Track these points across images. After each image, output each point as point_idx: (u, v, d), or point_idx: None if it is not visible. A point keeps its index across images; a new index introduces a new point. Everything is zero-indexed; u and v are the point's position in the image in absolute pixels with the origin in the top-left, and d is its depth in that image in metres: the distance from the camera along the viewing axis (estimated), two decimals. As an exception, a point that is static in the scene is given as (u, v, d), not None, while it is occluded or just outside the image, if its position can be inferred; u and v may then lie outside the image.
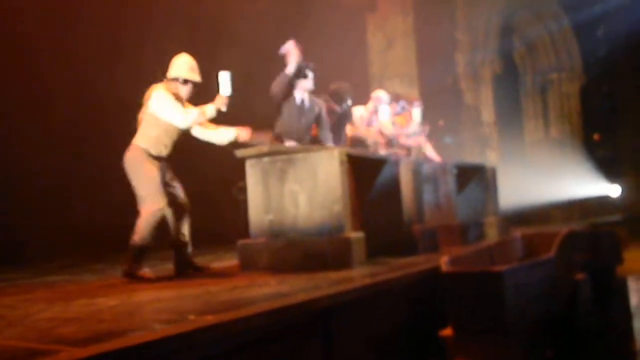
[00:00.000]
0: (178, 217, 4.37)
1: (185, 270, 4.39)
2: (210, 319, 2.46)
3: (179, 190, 4.38)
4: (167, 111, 4.18)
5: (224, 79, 4.16)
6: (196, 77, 4.32)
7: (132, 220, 4.16)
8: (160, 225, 4.21)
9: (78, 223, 6.73)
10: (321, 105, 5.08)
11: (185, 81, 4.27)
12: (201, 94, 4.40)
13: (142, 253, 4.15)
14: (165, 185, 4.28)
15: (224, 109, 4.23)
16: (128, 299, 3.34)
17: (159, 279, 4.12)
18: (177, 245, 4.40)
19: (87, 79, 6.94)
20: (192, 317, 2.57)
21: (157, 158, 4.27)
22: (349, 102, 5.66)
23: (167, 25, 7.37)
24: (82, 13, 7.08)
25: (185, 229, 4.39)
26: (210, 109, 4.24)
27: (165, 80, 4.29)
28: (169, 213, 4.30)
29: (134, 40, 7.23)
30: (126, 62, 6.97)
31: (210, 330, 2.32)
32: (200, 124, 4.34)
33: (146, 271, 4.20)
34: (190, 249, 4.44)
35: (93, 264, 5.87)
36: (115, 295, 3.49)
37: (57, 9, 6.89)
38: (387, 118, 6.33)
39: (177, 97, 4.26)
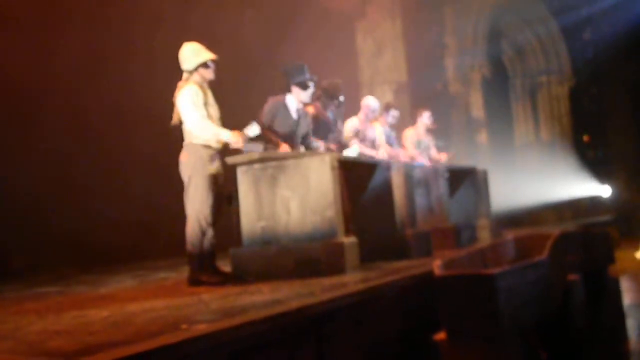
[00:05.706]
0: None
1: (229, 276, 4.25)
2: (202, 328, 2.44)
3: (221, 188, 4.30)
4: (185, 116, 4.15)
5: (253, 128, 4.24)
6: (208, 55, 4.23)
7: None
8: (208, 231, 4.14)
9: (67, 234, 6.67)
10: (308, 113, 5.08)
11: (202, 65, 4.21)
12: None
13: (200, 258, 4.11)
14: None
15: (237, 145, 4.19)
16: (119, 309, 3.31)
17: (219, 283, 4.06)
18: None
19: (72, 87, 6.90)
20: (184, 326, 2.55)
21: (215, 149, 4.21)
22: (342, 98, 5.64)
23: (154, 31, 7.35)
24: (68, 24, 7.03)
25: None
26: (224, 135, 4.15)
27: (186, 75, 4.23)
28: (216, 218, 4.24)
29: (121, 48, 7.20)
30: (113, 71, 6.94)
31: (202, 339, 2.30)
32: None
33: (209, 276, 4.12)
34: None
35: (83, 275, 5.82)
36: (107, 306, 3.46)
37: (47, 16, 6.84)
38: (383, 137, 6.36)
39: (204, 87, 4.21)
